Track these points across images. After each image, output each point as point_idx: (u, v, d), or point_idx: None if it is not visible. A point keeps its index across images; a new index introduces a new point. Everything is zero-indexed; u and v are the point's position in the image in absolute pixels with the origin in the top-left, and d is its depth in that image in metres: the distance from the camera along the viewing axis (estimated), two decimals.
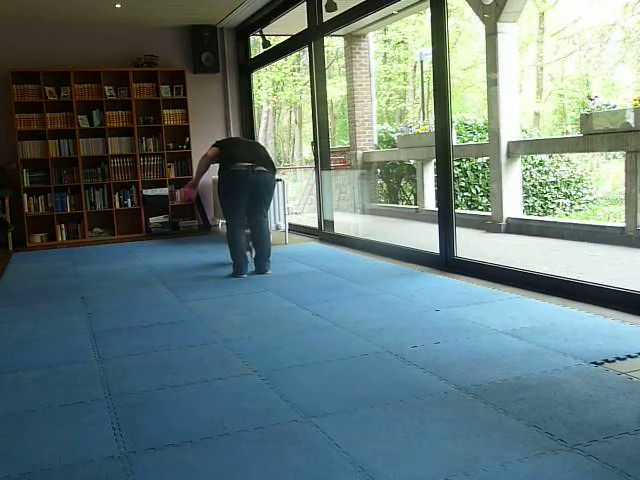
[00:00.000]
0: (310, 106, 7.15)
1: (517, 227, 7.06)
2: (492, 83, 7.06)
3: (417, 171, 9.31)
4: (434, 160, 7.88)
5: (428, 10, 4.94)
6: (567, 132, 17.02)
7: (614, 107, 6.36)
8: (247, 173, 4.94)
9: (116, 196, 8.22)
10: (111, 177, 8.14)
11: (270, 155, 5.31)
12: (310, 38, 6.91)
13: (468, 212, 8.57)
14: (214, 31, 8.58)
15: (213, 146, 5.28)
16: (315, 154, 7.15)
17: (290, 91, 20.86)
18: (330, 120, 17.17)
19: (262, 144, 5.42)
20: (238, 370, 2.86)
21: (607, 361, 2.71)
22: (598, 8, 16.04)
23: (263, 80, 20.06)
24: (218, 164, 5.19)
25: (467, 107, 18.48)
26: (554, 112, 19.41)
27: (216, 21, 8.35)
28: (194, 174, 5.41)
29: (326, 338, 3.30)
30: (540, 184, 9.15)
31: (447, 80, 4.78)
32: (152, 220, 8.34)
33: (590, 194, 9.60)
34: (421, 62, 14.38)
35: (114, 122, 8.11)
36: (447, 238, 4.92)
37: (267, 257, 5.19)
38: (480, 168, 9.06)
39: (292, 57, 18.90)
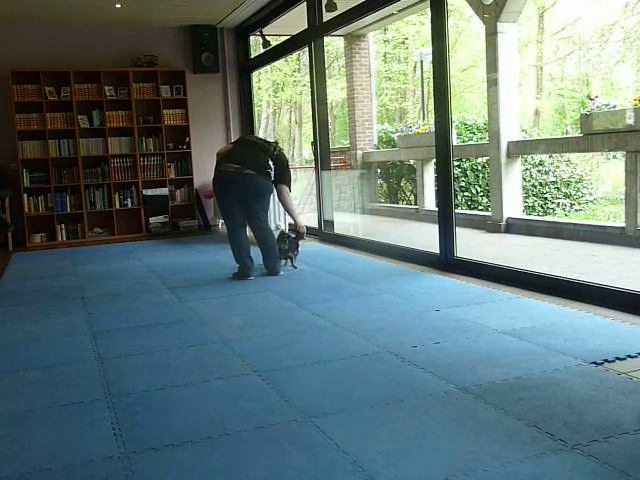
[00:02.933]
0: (310, 106, 7.15)
1: (517, 227, 7.06)
2: (492, 83, 7.06)
3: (417, 171, 9.31)
4: (434, 160, 7.88)
5: (428, 10, 4.94)
6: (567, 132, 17.02)
7: (614, 107, 6.35)
8: (233, 174, 4.81)
9: (116, 196, 8.22)
10: (111, 177, 8.14)
11: (274, 156, 5.00)
12: (310, 38, 6.91)
13: (468, 212, 8.57)
14: (214, 31, 8.58)
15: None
16: (315, 154, 7.15)
17: (290, 91, 20.86)
18: (330, 120, 17.18)
19: (271, 142, 5.08)
20: (238, 370, 2.86)
21: (607, 361, 2.71)
22: (598, 8, 16.05)
23: (263, 82, 20.06)
24: None
25: (467, 107, 18.48)
26: (554, 112, 19.41)
27: (216, 21, 8.35)
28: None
29: (326, 338, 3.30)
30: (540, 184, 9.15)
31: (447, 80, 4.78)
32: (152, 220, 8.34)
33: (590, 194, 9.60)
34: (421, 62, 14.39)
35: (114, 122, 8.11)
36: (447, 238, 4.92)
37: (275, 258, 5.04)
38: (480, 168, 9.06)
39: (292, 59, 18.91)
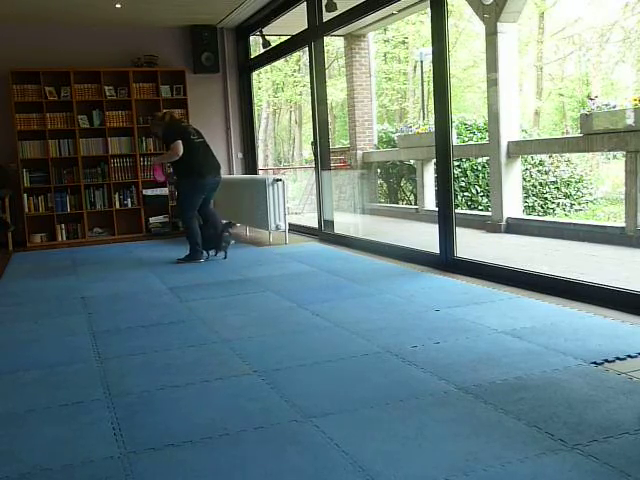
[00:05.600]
0: (310, 106, 7.15)
1: (517, 227, 7.06)
2: (492, 83, 7.06)
3: (417, 171, 9.31)
4: (434, 160, 7.88)
5: (428, 10, 4.94)
6: (567, 132, 17.03)
7: (614, 107, 6.35)
8: (209, 180, 5.94)
9: (116, 196, 8.22)
10: (111, 177, 8.14)
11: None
12: (310, 38, 6.91)
13: (468, 212, 8.57)
14: (214, 31, 8.58)
15: (175, 138, 5.80)
16: (315, 154, 7.15)
17: (290, 91, 20.87)
18: (330, 120, 17.18)
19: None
20: (238, 370, 2.86)
21: (607, 361, 2.71)
22: (598, 8, 16.05)
23: (263, 82, 20.06)
24: (180, 165, 5.87)
25: (467, 107, 18.48)
26: (554, 112, 19.42)
27: (216, 21, 8.35)
28: (165, 157, 6.09)
29: (326, 338, 3.30)
30: (540, 184, 9.15)
31: (447, 80, 4.78)
32: (152, 220, 8.34)
33: (590, 194, 9.59)
34: (421, 62, 14.38)
35: (114, 122, 8.11)
36: (447, 238, 4.92)
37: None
38: (480, 168, 9.06)
39: (292, 59, 18.90)
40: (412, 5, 8.48)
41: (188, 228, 5.95)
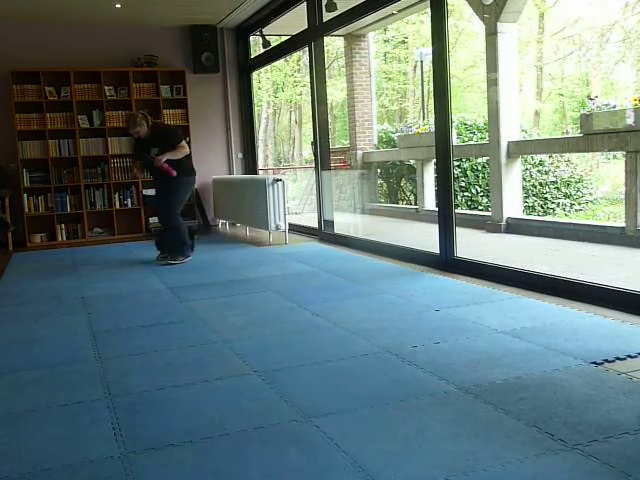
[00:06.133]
0: (310, 106, 7.15)
1: (517, 227, 7.06)
2: (492, 83, 7.06)
3: (417, 171, 9.31)
4: (434, 160, 7.88)
5: (428, 10, 4.94)
6: (567, 132, 17.03)
7: (614, 107, 6.35)
8: (194, 179, 6.15)
9: (116, 196, 8.22)
10: (111, 177, 8.14)
11: None
12: (310, 38, 6.91)
13: (468, 212, 8.56)
14: (214, 31, 8.58)
15: (182, 138, 5.87)
16: (315, 154, 7.15)
17: (290, 91, 20.87)
18: (330, 120, 17.18)
19: None
20: (238, 370, 2.86)
21: (607, 361, 2.71)
22: (598, 8, 16.05)
23: (263, 82, 20.06)
24: (180, 162, 5.81)
25: (467, 107, 18.48)
26: (554, 112, 19.42)
27: (216, 21, 8.35)
28: (175, 154, 5.75)
29: (326, 338, 3.30)
30: (540, 184, 9.15)
31: (447, 80, 4.78)
32: (152, 220, 8.33)
33: (590, 194, 9.60)
34: (421, 62, 14.38)
35: (114, 122, 8.11)
36: (447, 238, 4.92)
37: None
38: (480, 168, 9.06)
39: (293, 59, 18.90)
40: (412, 5, 8.48)
41: (178, 227, 5.97)
